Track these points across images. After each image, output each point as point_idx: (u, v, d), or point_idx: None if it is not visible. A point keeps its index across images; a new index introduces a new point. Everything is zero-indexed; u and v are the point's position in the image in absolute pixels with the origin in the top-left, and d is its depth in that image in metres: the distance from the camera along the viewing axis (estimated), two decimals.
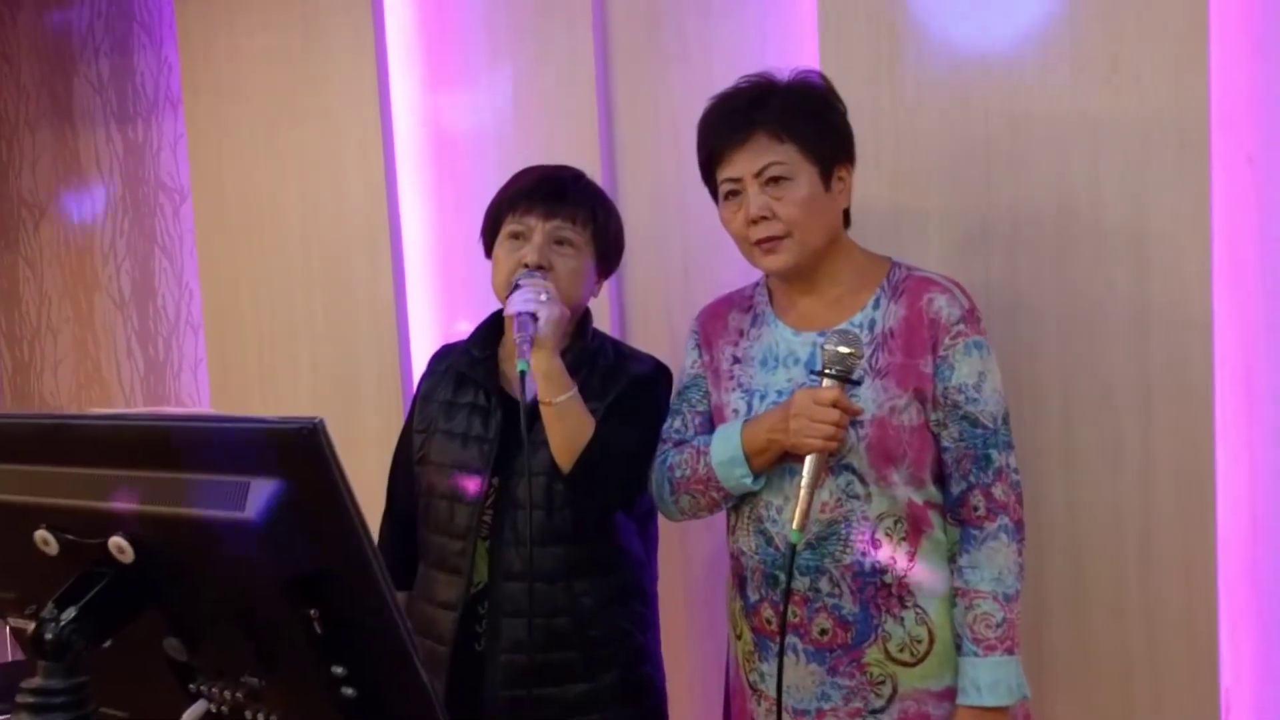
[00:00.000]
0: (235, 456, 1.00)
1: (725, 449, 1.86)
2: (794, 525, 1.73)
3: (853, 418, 1.77)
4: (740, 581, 1.94)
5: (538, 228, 2.00)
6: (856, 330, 1.80)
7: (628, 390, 2.04)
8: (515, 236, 2.02)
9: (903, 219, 2.31)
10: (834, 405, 1.73)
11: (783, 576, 1.86)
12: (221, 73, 3.11)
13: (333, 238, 2.95)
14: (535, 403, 1.94)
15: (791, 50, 2.42)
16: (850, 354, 1.74)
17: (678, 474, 1.93)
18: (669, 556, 2.49)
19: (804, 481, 1.74)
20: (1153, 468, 2.13)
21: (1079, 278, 2.17)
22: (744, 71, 1.93)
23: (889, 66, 2.29)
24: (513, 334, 1.90)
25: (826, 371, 1.75)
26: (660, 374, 2.12)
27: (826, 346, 1.75)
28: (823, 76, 1.91)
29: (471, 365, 2.10)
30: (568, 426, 1.93)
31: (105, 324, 3.59)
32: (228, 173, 3.12)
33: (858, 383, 1.76)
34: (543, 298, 1.90)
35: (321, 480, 0.95)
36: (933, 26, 2.26)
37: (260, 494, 0.98)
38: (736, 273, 2.44)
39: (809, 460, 1.74)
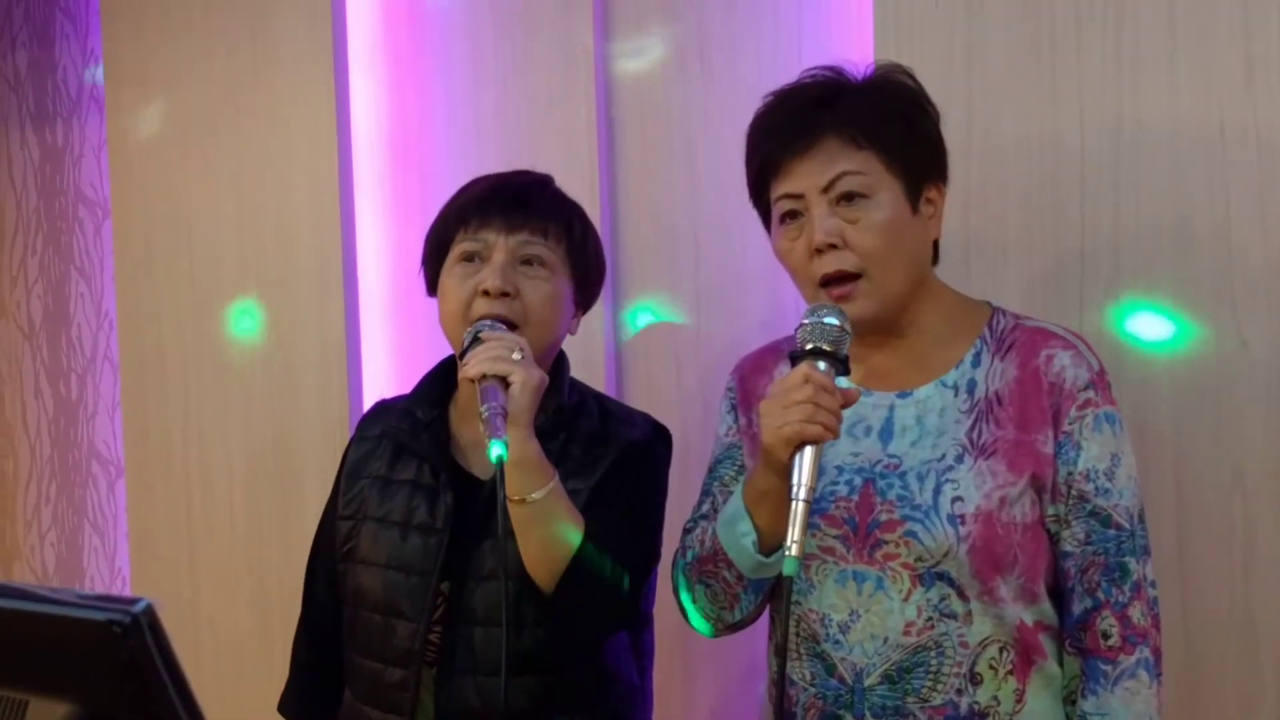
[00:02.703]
0: (9, 659, 0.55)
1: (728, 506, 1.46)
2: (790, 549, 1.27)
3: (845, 403, 1.34)
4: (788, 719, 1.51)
5: (498, 244, 1.58)
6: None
7: (620, 463, 1.61)
8: (469, 258, 1.60)
9: (975, 251, 1.92)
10: (806, 381, 1.31)
11: (848, 717, 1.44)
12: (150, 64, 2.74)
13: (275, 263, 2.58)
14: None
15: (838, 45, 2.05)
16: (837, 326, 1.35)
17: (689, 556, 1.53)
18: (666, 671, 2.05)
19: (794, 484, 1.30)
20: None
21: (1202, 331, 1.78)
22: (773, 76, 1.62)
23: (963, 61, 1.92)
24: (477, 406, 1.44)
25: (806, 349, 1.35)
26: (659, 439, 1.70)
27: (806, 320, 1.36)
28: (910, 74, 1.53)
29: (414, 432, 1.66)
30: (548, 532, 1.48)
31: (10, 355, 3.19)
32: (153, 182, 2.74)
33: (845, 364, 1.36)
34: (515, 355, 1.45)
35: (143, 709, 0.51)
36: (1018, 13, 1.88)
37: None
38: (765, 317, 2.07)
39: (797, 460, 1.31)
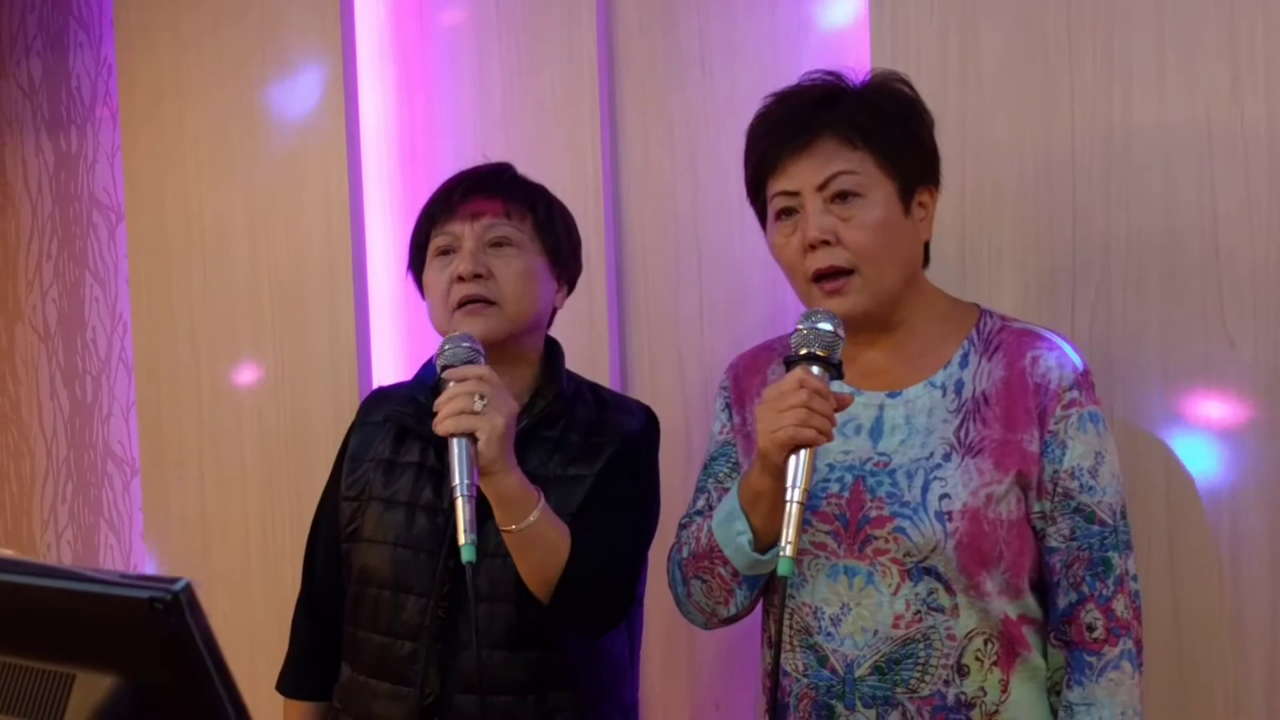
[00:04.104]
0: (56, 635, 0.59)
1: (724, 505, 1.49)
2: (785, 549, 1.31)
3: (838, 407, 1.37)
4: (782, 710, 1.55)
5: (464, 232, 1.66)
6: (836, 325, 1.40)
7: (620, 454, 1.67)
8: (444, 252, 1.68)
9: (969, 253, 1.94)
10: (800, 386, 1.35)
11: (840, 707, 1.47)
12: (163, 73, 2.77)
13: (286, 266, 2.61)
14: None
15: (835, 51, 2.06)
16: (831, 332, 1.37)
17: (685, 552, 1.57)
18: (669, 657, 2.08)
19: (789, 486, 1.34)
20: None
21: (1191, 332, 1.80)
22: (773, 81, 1.64)
23: (957, 68, 1.94)
24: (450, 460, 1.45)
25: (800, 353, 1.38)
26: (652, 427, 1.76)
27: (801, 325, 1.39)
28: (907, 82, 1.57)
29: (418, 416, 1.70)
30: (537, 552, 1.54)
31: (26, 358, 3.22)
32: (168, 189, 2.77)
33: (838, 369, 1.39)
34: (477, 405, 1.45)
35: (183, 683, 0.55)
36: (1011, 20, 1.91)
37: (87, 699, 0.57)
38: (764, 317, 2.11)
39: (792, 462, 1.35)
